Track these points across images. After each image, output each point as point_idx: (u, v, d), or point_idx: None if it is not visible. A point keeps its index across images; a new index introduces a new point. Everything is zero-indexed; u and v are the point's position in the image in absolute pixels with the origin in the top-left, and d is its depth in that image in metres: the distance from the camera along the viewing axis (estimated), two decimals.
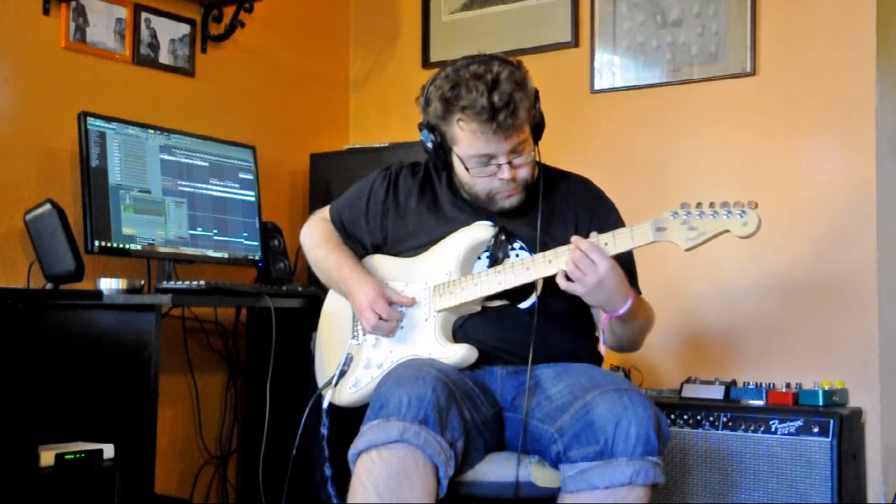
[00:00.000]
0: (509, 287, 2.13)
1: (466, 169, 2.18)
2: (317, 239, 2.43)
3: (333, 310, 2.43)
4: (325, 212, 2.49)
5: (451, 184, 2.30)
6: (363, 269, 2.31)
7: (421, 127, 2.21)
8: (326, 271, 2.37)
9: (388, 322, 2.20)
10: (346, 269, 2.30)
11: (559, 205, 2.27)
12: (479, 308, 2.20)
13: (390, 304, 2.22)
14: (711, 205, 1.99)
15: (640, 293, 2.28)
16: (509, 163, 2.14)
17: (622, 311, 2.06)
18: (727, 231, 1.98)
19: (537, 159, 2.26)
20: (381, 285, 2.24)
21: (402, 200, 2.34)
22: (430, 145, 2.21)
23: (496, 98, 2.06)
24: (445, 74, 2.15)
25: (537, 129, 2.20)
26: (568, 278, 2.04)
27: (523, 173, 2.18)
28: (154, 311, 2.51)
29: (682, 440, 2.81)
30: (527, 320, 2.15)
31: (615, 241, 2.05)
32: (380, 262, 2.35)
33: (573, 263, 2.02)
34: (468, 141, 2.13)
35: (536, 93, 2.19)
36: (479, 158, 2.14)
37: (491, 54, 2.18)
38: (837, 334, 2.95)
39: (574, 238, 2.05)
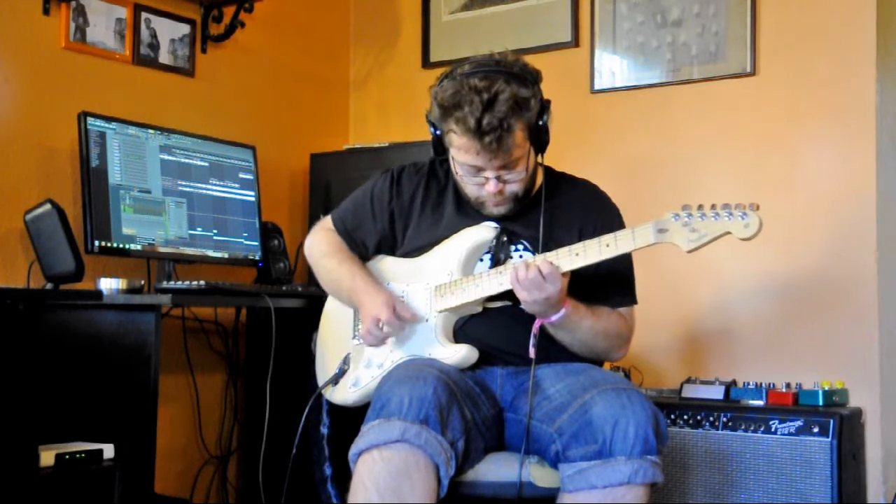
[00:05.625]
0: (510, 288, 2.13)
1: (458, 173, 2.19)
2: (325, 249, 2.40)
3: (335, 309, 2.43)
4: (327, 222, 2.45)
5: (455, 183, 2.30)
6: (375, 280, 2.30)
7: (427, 119, 2.21)
8: (337, 281, 2.35)
9: (387, 332, 2.19)
10: (359, 279, 2.28)
11: (564, 209, 2.26)
12: (480, 309, 2.20)
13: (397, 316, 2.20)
14: (713, 206, 1.99)
15: (635, 303, 2.28)
16: (498, 177, 2.14)
17: (553, 318, 2.09)
18: (728, 233, 1.98)
19: (540, 161, 2.25)
20: (392, 298, 2.22)
21: (406, 200, 2.33)
22: (433, 138, 2.21)
23: (486, 120, 2.03)
24: (453, 77, 2.13)
25: (540, 142, 2.17)
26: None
27: (512, 188, 2.17)
28: (154, 311, 2.51)
29: (682, 440, 2.81)
30: (527, 321, 2.14)
31: (617, 243, 2.05)
32: (383, 262, 2.35)
33: (530, 280, 2.04)
34: (459, 150, 2.13)
35: (543, 107, 2.14)
36: (469, 168, 2.15)
37: (503, 61, 2.13)
38: (837, 334, 2.95)
39: (539, 259, 2.07)
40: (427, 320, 2.21)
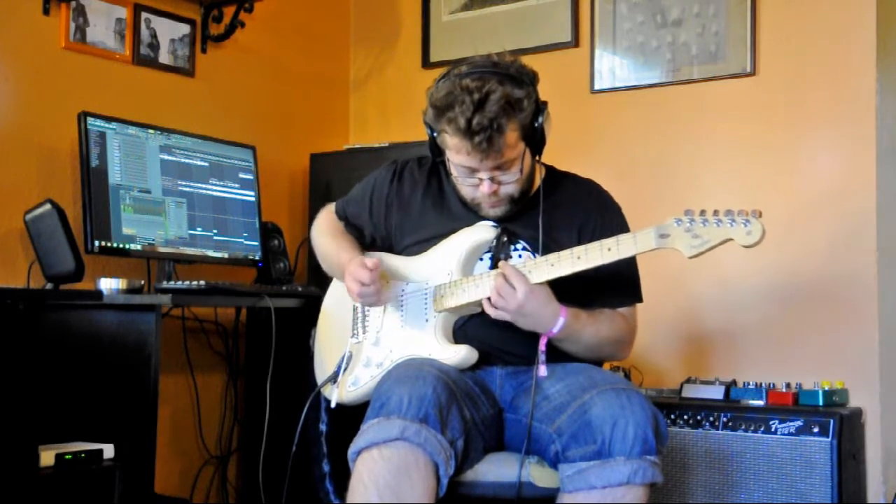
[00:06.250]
0: None
1: (453, 174, 2.19)
2: (322, 229, 2.46)
3: (334, 307, 2.43)
4: (331, 207, 2.51)
5: None
6: (360, 252, 2.32)
7: (423, 120, 2.21)
8: (328, 257, 2.39)
9: (372, 286, 2.17)
10: (344, 252, 2.32)
11: (565, 208, 2.26)
12: (479, 309, 2.20)
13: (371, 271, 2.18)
14: (715, 212, 1.98)
15: (640, 301, 2.28)
16: (492, 178, 2.13)
17: (554, 330, 2.09)
18: (730, 240, 1.97)
19: (540, 160, 2.25)
20: (360, 259, 2.21)
21: (406, 193, 2.34)
22: (429, 140, 2.21)
23: (476, 120, 2.02)
24: (448, 78, 2.13)
25: (536, 144, 2.16)
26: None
27: (507, 190, 2.17)
28: (154, 311, 2.51)
29: (682, 440, 2.81)
30: None
31: (618, 247, 2.05)
32: (383, 260, 2.35)
33: (496, 290, 2.06)
34: (451, 151, 2.13)
35: (538, 108, 2.13)
36: (463, 169, 2.15)
37: (499, 63, 2.13)
38: (837, 334, 2.95)
39: (501, 263, 2.09)
40: (427, 320, 2.21)
